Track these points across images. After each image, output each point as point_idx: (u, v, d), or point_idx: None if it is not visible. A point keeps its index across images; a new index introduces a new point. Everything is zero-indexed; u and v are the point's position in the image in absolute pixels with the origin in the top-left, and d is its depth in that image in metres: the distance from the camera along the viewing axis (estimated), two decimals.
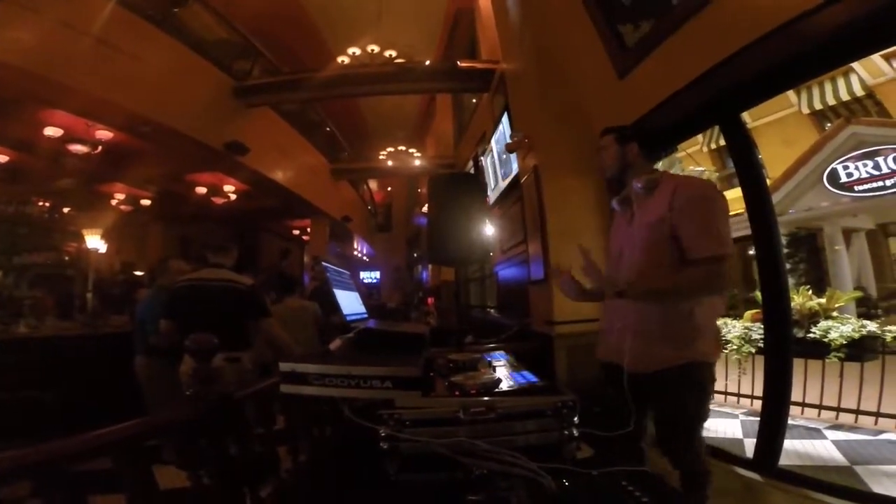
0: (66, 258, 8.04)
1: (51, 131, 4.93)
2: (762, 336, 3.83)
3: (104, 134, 5.13)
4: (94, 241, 7.11)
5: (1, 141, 5.22)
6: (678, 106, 2.18)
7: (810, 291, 4.45)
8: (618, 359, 1.50)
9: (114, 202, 7.59)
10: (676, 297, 1.40)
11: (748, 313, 4.52)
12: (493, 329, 4.05)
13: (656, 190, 1.49)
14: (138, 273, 7.88)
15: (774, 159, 6.29)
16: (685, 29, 2.09)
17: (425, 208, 2.82)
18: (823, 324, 3.89)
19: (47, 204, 7.65)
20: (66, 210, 7.87)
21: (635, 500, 0.74)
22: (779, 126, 6.43)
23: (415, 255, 13.58)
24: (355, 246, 13.81)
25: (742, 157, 2.10)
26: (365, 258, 14.59)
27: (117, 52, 4.28)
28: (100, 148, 5.21)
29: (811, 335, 3.86)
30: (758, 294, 4.19)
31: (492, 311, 5.31)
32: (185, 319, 2.44)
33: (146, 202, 7.86)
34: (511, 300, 4.13)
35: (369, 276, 14.26)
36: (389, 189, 15.07)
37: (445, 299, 7.60)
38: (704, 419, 1.46)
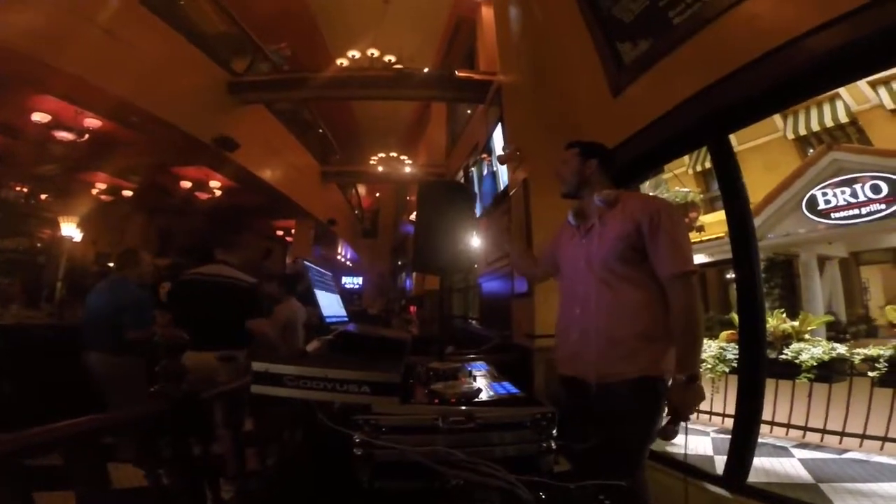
0: (39, 245, 7.77)
1: (38, 117, 4.80)
2: (736, 356, 3.92)
3: (92, 122, 5.02)
4: (70, 229, 6.90)
5: None
6: (668, 125, 2.22)
7: (784, 314, 4.56)
8: (573, 371, 1.50)
9: (94, 191, 7.39)
10: (698, 325, 1.37)
11: (723, 334, 4.62)
12: (474, 340, 4.03)
13: (618, 205, 1.51)
14: (111, 265, 7.65)
15: (756, 185, 6.46)
16: (681, 49, 2.13)
17: (413, 216, 2.81)
18: (795, 345, 4.00)
19: (25, 189, 7.41)
20: (43, 196, 7.63)
21: None
22: (762, 151, 6.62)
23: (399, 262, 13.50)
24: (339, 250, 13.69)
25: (728, 179, 2.14)
26: (349, 263, 14.47)
27: (114, 39, 4.18)
28: (86, 136, 5.09)
29: (783, 356, 3.95)
30: (733, 316, 4.28)
31: (473, 322, 5.29)
32: (186, 314, 2.40)
33: (128, 193, 7.66)
34: (493, 312, 4.12)
35: (352, 282, 14.13)
36: (378, 195, 15.00)
37: (428, 308, 7.56)
38: (654, 439, 1.41)
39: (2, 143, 5.45)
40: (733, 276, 2.21)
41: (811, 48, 1.58)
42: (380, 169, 9.36)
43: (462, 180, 5.83)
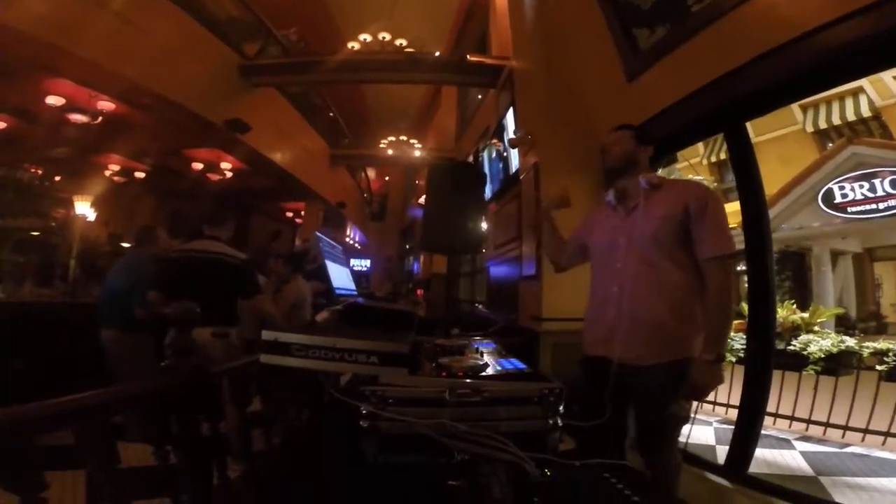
0: (53, 224, 7.88)
1: (52, 100, 4.83)
2: (743, 346, 3.88)
3: (106, 105, 5.04)
4: (83, 208, 6.98)
5: (1, 107, 5.11)
6: (685, 111, 2.18)
7: (794, 306, 4.51)
8: (605, 351, 1.49)
9: (107, 173, 7.45)
10: (730, 307, 1.43)
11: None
12: (480, 324, 4.04)
13: (662, 188, 1.54)
14: (125, 245, 7.74)
15: (770, 177, 6.31)
16: (700, 36, 2.08)
17: (422, 199, 2.80)
18: (804, 337, 3.96)
19: (39, 171, 7.48)
20: (57, 178, 7.70)
21: (618, 493, 0.73)
22: (779, 144, 6.47)
23: (407, 246, 13.52)
24: (348, 233, 13.73)
25: (744, 167, 2.10)
26: (357, 245, 14.51)
27: (128, 25, 4.19)
28: (100, 118, 5.12)
29: (791, 347, 3.92)
30: (743, 307, 4.23)
31: (480, 306, 5.30)
32: (175, 291, 2.36)
33: (140, 175, 7.72)
34: (500, 296, 4.12)
35: (359, 265, 14.18)
36: (387, 178, 14.98)
37: (435, 292, 7.57)
38: (689, 419, 1.47)
39: (17, 126, 5.50)
40: (744, 268, 2.19)
41: (828, 40, 1.55)
42: (389, 152, 9.32)
43: None
